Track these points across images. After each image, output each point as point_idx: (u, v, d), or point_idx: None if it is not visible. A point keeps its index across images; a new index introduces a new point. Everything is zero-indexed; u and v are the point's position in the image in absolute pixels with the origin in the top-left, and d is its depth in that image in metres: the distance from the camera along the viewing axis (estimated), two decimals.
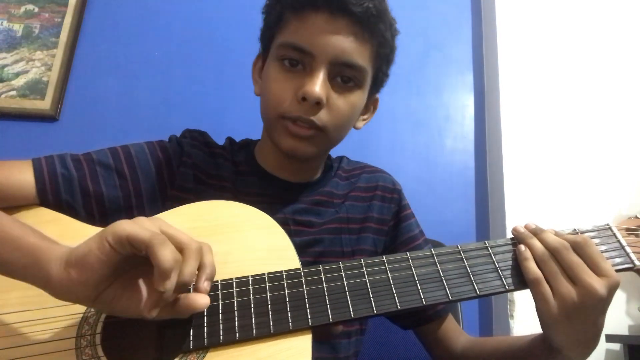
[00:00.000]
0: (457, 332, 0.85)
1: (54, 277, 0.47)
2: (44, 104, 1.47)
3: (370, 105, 0.85)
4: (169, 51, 1.60)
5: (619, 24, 1.63)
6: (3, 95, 1.48)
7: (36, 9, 1.59)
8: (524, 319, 1.28)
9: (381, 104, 0.88)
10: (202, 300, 0.49)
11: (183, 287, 0.47)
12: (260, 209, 0.66)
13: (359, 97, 0.75)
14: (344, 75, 0.71)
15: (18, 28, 1.56)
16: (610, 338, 1.22)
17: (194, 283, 0.49)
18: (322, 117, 0.70)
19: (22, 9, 1.58)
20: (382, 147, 1.56)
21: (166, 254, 0.45)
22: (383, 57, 0.77)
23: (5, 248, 0.51)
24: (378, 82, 0.81)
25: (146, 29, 1.62)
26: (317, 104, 0.69)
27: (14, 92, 1.49)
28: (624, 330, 1.30)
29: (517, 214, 1.39)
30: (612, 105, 1.54)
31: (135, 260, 0.49)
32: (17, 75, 1.51)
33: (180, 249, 0.48)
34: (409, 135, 1.59)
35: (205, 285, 0.49)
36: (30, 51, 1.53)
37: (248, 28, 1.58)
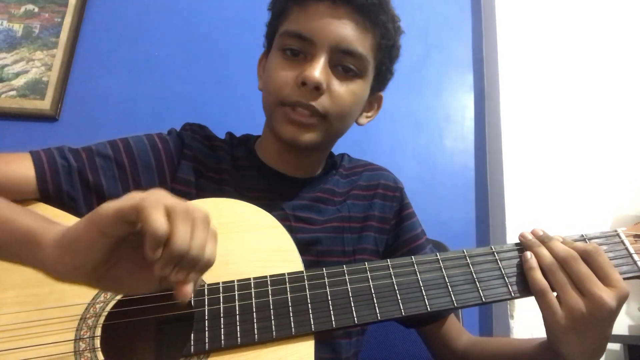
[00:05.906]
0: (459, 331, 0.85)
1: (48, 261, 0.46)
2: (44, 104, 1.46)
3: (375, 102, 0.85)
4: (169, 51, 1.59)
5: (619, 24, 1.63)
6: (3, 95, 1.48)
7: (36, 9, 1.58)
8: (524, 319, 1.28)
9: None
10: (184, 290, 0.42)
11: (178, 259, 0.40)
12: (260, 204, 0.66)
13: (360, 87, 0.74)
14: (345, 64, 0.71)
15: (18, 28, 1.55)
16: (611, 338, 1.22)
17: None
18: (323, 103, 0.70)
19: (22, 9, 1.58)
20: (382, 147, 1.55)
21: (158, 217, 0.39)
22: (385, 49, 0.77)
23: None
24: (381, 77, 0.80)
25: (146, 29, 1.61)
26: (317, 89, 0.69)
27: (14, 92, 1.48)
28: (624, 330, 1.30)
29: (517, 214, 1.39)
30: (612, 104, 1.54)
31: (137, 239, 0.43)
32: (17, 75, 1.50)
33: (170, 213, 0.41)
34: (409, 135, 1.58)
35: (179, 276, 0.41)
36: (30, 51, 1.53)
37: (248, 28, 1.60)
